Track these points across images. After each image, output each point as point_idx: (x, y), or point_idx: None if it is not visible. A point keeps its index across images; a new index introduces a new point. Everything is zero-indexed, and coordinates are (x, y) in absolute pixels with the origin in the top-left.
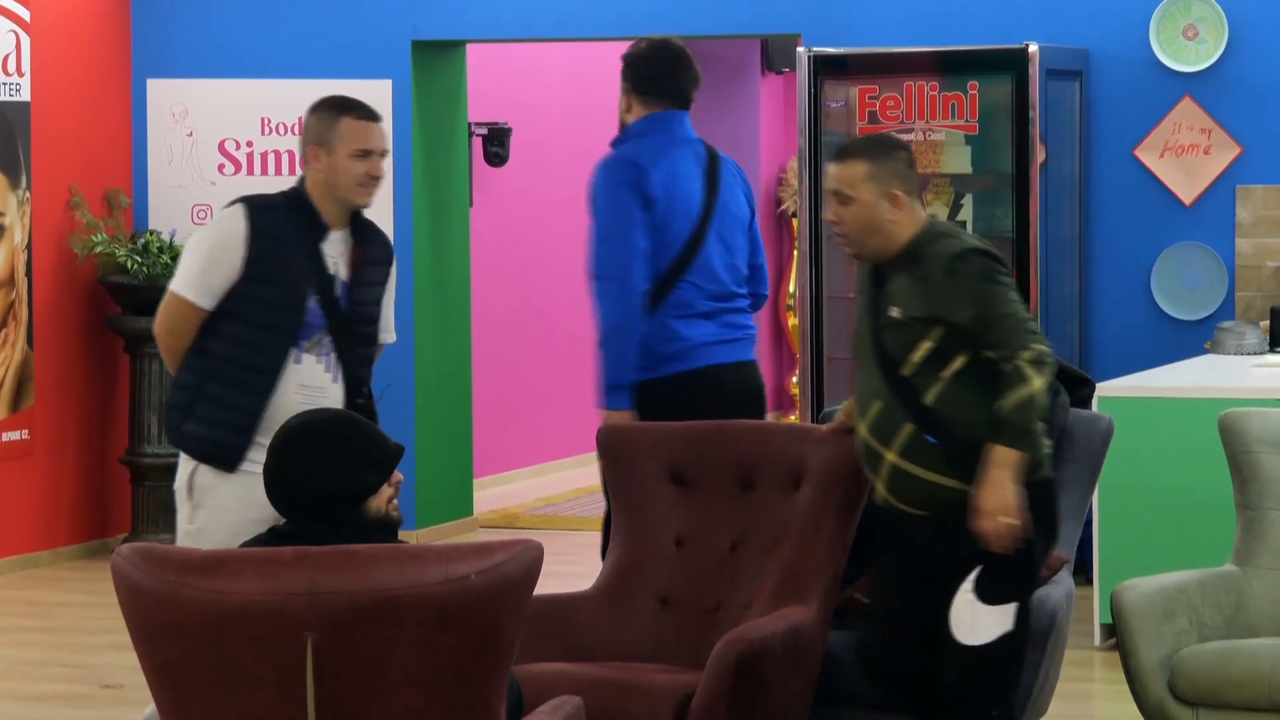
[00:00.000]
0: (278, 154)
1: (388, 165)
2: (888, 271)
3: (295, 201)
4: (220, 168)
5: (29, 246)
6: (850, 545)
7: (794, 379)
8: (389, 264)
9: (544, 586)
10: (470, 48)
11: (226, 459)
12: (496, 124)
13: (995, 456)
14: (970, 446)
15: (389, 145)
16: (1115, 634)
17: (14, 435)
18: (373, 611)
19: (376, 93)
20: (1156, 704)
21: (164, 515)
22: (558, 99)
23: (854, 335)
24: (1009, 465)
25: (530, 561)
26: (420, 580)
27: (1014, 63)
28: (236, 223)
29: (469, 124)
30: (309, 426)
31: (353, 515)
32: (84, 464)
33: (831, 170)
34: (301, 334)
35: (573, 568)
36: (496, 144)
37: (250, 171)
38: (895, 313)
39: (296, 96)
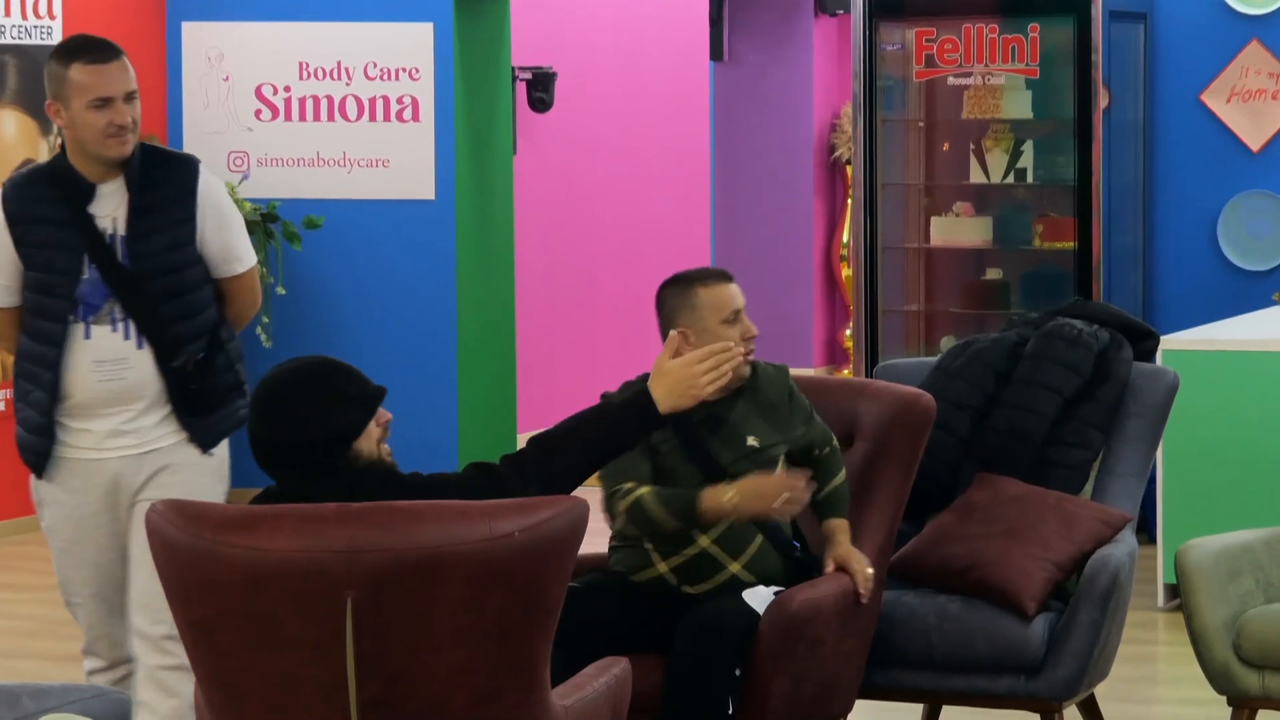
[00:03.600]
0: (316, 99)
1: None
2: None
3: (56, 168)
4: (257, 113)
5: None
6: (905, 503)
7: (847, 331)
8: (189, 196)
9: (589, 545)
10: None
11: (34, 464)
12: (541, 68)
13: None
14: None
15: (133, 84)
16: (1179, 595)
17: None
18: (415, 569)
19: (417, 36)
20: (1221, 666)
21: None
22: (605, 42)
23: None
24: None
25: (576, 519)
26: (464, 537)
27: (1076, 4)
28: None
29: (512, 68)
30: (283, 377)
31: (342, 462)
32: None
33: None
34: (81, 311)
35: None
36: (541, 89)
37: (288, 117)
38: None
39: (336, 40)
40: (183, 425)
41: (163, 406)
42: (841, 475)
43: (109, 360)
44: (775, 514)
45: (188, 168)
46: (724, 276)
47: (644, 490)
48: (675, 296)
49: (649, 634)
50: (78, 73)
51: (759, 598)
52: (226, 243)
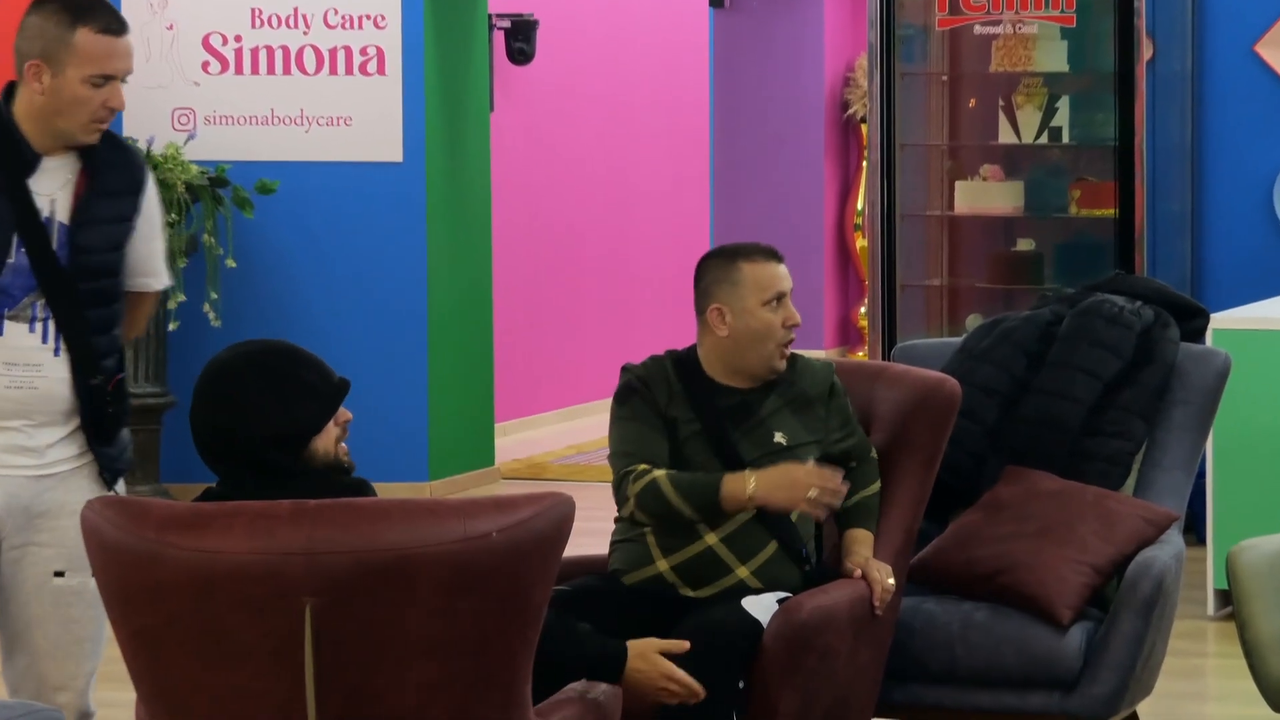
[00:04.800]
0: (270, 50)
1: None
2: None
3: None
4: (205, 66)
5: None
6: (926, 500)
7: (862, 309)
8: (136, 193)
9: (575, 546)
10: None
11: None
12: (521, 15)
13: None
14: None
15: (132, 64)
16: (1231, 602)
17: None
18: (381, 573)
19: None
20: (1277, 682)
21: (141, 463)
22: None
23: None
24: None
25: (560, 518)
26: (435, 538)
27: None
28: None
29: (489, 15)
30: (236, 360)
31: (296, 462)
32: None
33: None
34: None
35: (607, 524)
36: (521, 38)
37: (239, 70)
38: None
39: None
40: (94, 454)
41: (64, 424)
42: (875, 487)
43: (21, 364)
44: (803, 510)
45: (138, 159)
46: (772, 255)
47: (659, 473)
48: (716, 269)
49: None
50: (87, 39)
51: (761, 606)
52: (152, 252)
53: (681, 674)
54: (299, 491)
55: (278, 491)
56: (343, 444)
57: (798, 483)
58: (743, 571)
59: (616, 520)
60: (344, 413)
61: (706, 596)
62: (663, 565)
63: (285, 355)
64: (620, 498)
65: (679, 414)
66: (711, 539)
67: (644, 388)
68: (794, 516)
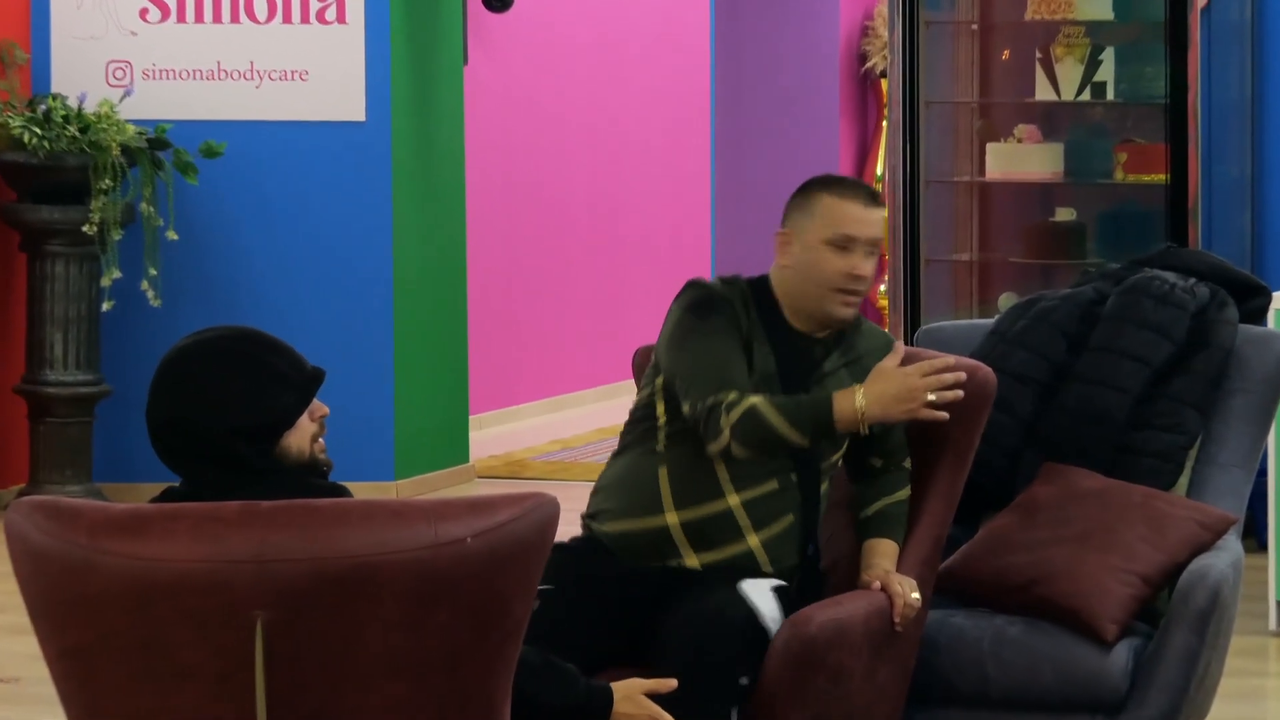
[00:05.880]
0: None
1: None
2: None
3: None
4: (143, 13)
5: None
6: (957, 503)
7: (881, 288)
8: None
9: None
10: None
11: None
12: None
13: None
14: None
15: None
16: None
17: None
18: (340, 583)
19: None
20: None
21: (71, 460)
22: None
23: None
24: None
25: (542, 520)
26: (401, 544)
27: None
28: None
29: None
30: (196, 347)
31: (267, 459)
32: None
33: None
34: None
35: None
36: None
37: (181, 18)
38: None
39: None
40: None
41: None
42: (903, 494)
43: None
44: (923, 418)
45: None
46: (867, 196)
47: (755, 399)
48: (802, 194)
49: (627, 639)
50: None
51: (758, 591)
52: None
53: (668, 718)
54: (269, 493)
55: (246, 492)
56: (320, 441)
57: (914, 392)
58: (754, 540)
59: (615, 455)
60: (319, 406)
61: (707, 565)
62: (672, 519)
63: (251, 340)
64: (710, 430)
65: (756, 346)
66: (734, 500)
67: (727, 303)
68: (823, 490)
